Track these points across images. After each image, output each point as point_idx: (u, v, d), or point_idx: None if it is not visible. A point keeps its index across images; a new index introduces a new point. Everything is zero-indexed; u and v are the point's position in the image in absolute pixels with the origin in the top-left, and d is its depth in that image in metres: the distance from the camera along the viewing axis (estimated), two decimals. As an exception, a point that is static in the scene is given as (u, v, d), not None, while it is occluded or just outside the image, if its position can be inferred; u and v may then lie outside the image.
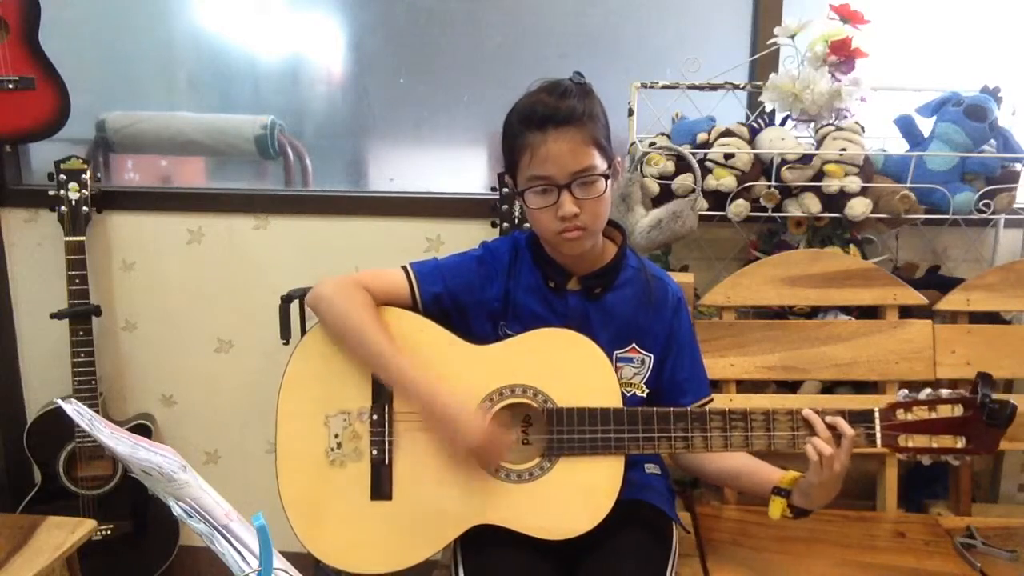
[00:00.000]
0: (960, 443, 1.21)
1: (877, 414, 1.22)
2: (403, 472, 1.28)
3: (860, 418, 1.23)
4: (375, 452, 1.28)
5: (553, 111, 1.19)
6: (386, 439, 1.28)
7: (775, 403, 1.61)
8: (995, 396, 1.18)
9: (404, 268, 1.35)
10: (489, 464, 1.24)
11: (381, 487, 1.28)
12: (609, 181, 1.24)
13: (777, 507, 1.27)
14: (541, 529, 1.23)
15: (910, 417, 1.22)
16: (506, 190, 1.89)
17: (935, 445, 1.21)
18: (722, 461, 1.34)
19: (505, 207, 1.91)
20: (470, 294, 1.34)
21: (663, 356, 1.36)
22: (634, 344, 1.34)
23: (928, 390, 1.23)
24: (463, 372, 1.29)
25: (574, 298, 1.33)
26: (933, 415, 1.21)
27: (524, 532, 1.23)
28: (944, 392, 1.22)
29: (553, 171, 1.20)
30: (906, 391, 1.24)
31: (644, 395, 1.35)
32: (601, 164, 1.22)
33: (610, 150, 1.24)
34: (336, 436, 1.30)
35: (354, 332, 1.27)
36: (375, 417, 1.29)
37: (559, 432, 1.25)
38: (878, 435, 1.22)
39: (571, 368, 1.27)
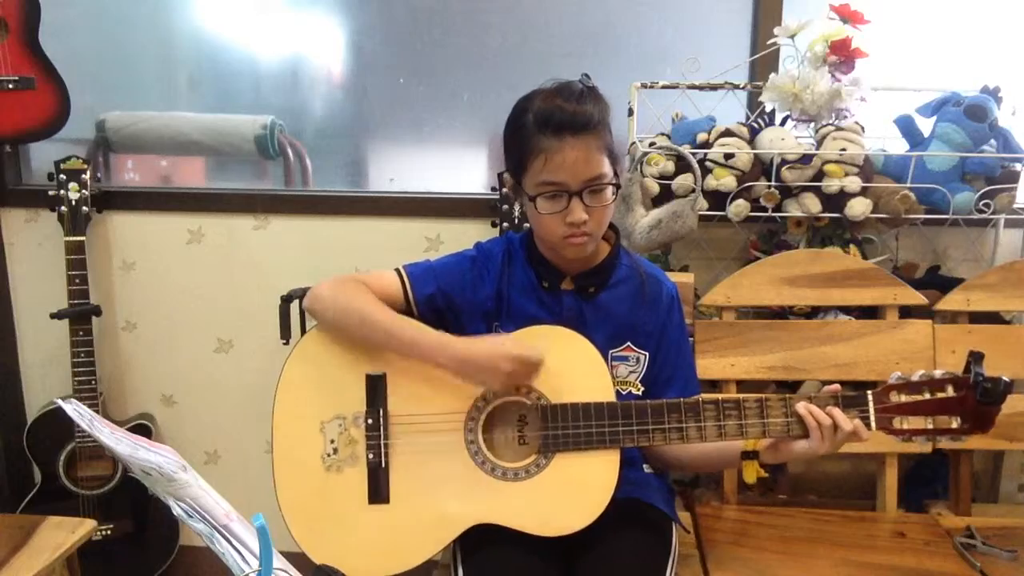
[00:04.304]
0: (955, 423, 1.20)
1: (871, 397, 1.22)
2: (400, 475, 1.28)
3: (854, 402, 1.23)
4: (371, 456, 1.28)
5: (571, 118, 1.18)
6: (382, 443, 1.28)
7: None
8: (987, 374, 1.18)
9: (397, 270, 1.36)
10: (534, 370, 1.23)
11: (379, 491, 1.28)
12: (618, 188, 1.25)
13: (751, 470, 1.29)
14: (540, 526, 1.23)
15: (904, 399, 1.22)
16: (506, 190, 1.88)
17: (930, 426, 1.21)
18: (690, 448, 1.33)
19: (505, 207, 1.91)
20: (463, 294, 1.34)
21: (656, 353, 1.36)
22: (629, 343, 1.35)
23: (921, 371, 1.23)
24: None
25: (568, 298, 1.33)
26: (927, 396, 1.21)
27: (523, 530, 1.23)
28: (937, 373, 1.22)
29: (566, 178, 1.20)
30: (899, 374, 1.24)
31: (640, 393, 1.35)
32: (609, 171, 1.23)
33: (617, 156, 1.25)
34: (332, 442, 1.30)
35: (357, 317, 1.28)
36: (370, 421, 1.29)
37: (554, 428, 1.25)
38: (872, 418, 1.22)
39: (564, 364, 1.27)
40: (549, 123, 1.19)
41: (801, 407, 1.22)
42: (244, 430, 2.21)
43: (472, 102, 2.15)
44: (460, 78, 2.14)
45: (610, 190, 1.23)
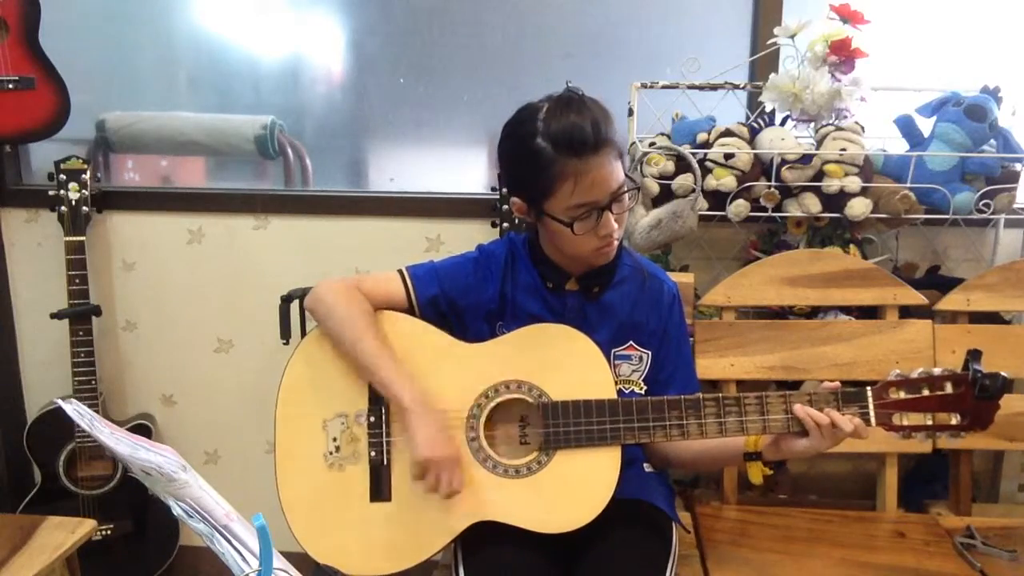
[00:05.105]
0: (955, 419, 1.21)
1: (870, 393, 1.23)
2: (402, 473, 1.28)
3: (853, 398, 1.23)
4: (373, 454, 1.29)
5: (592, 135, 1.17)
6: (384, 440, 1.29)
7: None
8: (985, 370, 1.18)
9: (400, 272, 1.36)
10: (439, 482, 1.22)
11: (380, 489, 1.28)
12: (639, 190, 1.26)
13: (756, 471, 1.30)
14: (541, 523, 1.23)
15: (903, 396, 1.22)
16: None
17: (930, 423, 1.22)
18: (691, 445, 1.34)
19: (505, 207, 1.91)
20: (466, 296, 1.34)
21: (658, 351, 1.36)
22: (632, 341, 1.35)
23: (920, 369, 1.23)
24: (458, 371, 1.29)
25: (572, 298, 1.34)
26: (926, 393, 1.21)
27: (524, 527, 1.23)
28: (935, 370, 1.22)
29: (598, 195, 1.20)
30: (898, 371, 1.24)
31: (642, 392, 1.36)
32: (624, 176, 1.23)
33: (624, 157, 1.25)
34: (334, 439, 1.30)
35: (349, 341, 1.28)
36: (372, 419, 1.29)
37: (555, 426, 1.25)
38: (872, 414, 1.22)
39: (564, 362, 1.27)
40: (569, 145, 1.17)
41: (798, 410, 1.22)
42: (244, 430, 2.21)
43: (472, 102, 2.15)
44: (460, 78, 2.13)
45: (629, 194, 1.24)
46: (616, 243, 1.27)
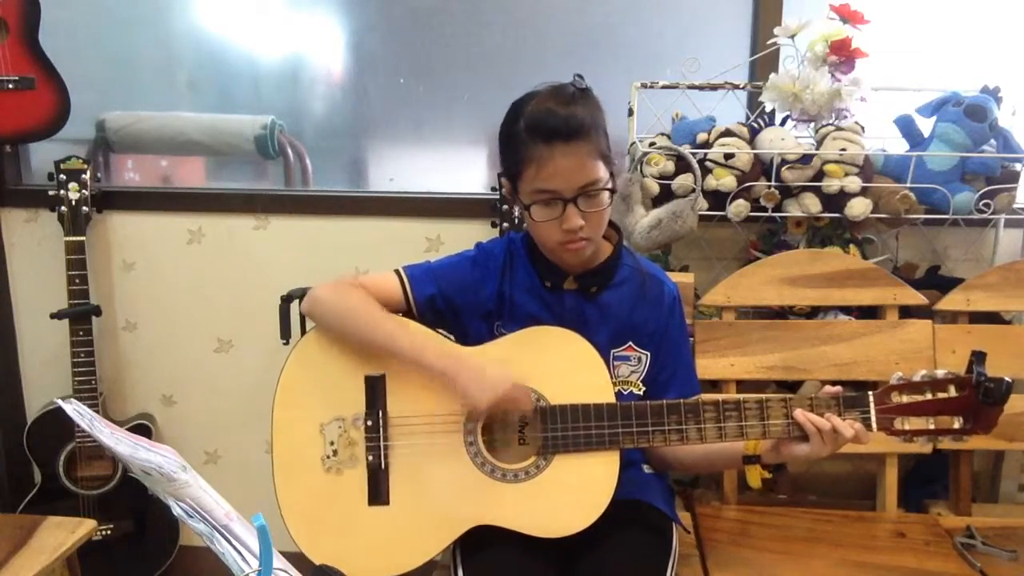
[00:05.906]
0: (957, 423, 1.20)
1: (872, 398, 1.22)
2: (400, 476, 1.28)
3: (855, 403, 1.22)
4: (371, 458, 1.28)
5: (563, 125, 1.17)
6: (381, 444, 1.28)
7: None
8: (989, 374, 1.17)
9: (397, 272, 1.35)
10: (520, 405, 1.24)
11: (378, 492, 1.28)
12: (613, 193, 1.24)
13: (754, 474, 1.29)
14: (539, 528, 1.23)
15: (905, 400, 1.21)
16: (504, 194, 1.88)
17: (932, 427, 1.21)
18: (692, 449, 1.33)
19: (505, 207, 1.91)
20: (464, 295, 1.34)
21: (657, 353, 1.36)
22: (631, 342, 1.35)
23: (923, 372, 1.22)
24: None
25: (570, 297, 1.33)
26: (928, 397, 1.21)
27: (522, 531, 1.23)
28: (939, 373, 1.21)
29: (560, 185, 1.19)
30: (900, 374, 1.23)
31: (640, 393, 1.35)
32: (604, 175, 1.22)
33: (612, 159, 1.24)
34: (332, 443, 1.29)
35: (359, 321, 1.28)
36: (370, 423, 1.29)
37: (553, 430, 1.25)
38: (873, 419, 1.22)
39: (563, 365, 1.27)
40: (540, 130, 1.18)
41: (799, 415, 1.21)
42: (244, 430, 2.21)
43: (472, 102, 2.15)
44: (460, 78, 2.14)
45: (605, 195, 1.22)
46: (585, 243, 1.24)
